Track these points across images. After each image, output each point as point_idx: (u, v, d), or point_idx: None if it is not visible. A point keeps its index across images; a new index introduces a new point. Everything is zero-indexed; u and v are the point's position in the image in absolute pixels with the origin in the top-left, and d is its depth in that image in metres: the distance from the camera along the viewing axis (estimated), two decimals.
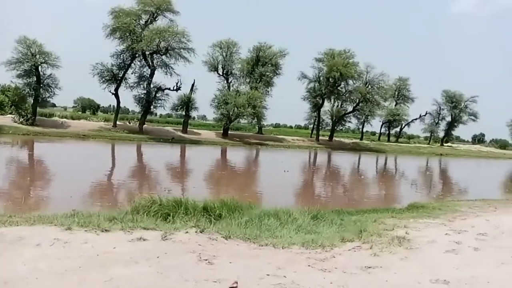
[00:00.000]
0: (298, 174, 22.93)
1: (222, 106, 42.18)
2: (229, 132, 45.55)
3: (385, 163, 38.17)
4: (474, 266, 4.52)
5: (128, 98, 56.82)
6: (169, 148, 33.58)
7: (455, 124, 71.17)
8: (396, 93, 66.03)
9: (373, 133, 77.51)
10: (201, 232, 5.70)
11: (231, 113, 41.39)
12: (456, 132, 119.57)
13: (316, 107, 51.39)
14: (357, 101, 50.44)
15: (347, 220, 8.56)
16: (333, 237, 6.03)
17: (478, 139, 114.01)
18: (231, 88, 46.37)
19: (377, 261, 4.81)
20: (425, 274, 4.25)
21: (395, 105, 65.83)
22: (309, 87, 50.62)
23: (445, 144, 71.60)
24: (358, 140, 59.07)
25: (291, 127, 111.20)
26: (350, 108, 53.02)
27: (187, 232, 5.59)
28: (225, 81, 47.04)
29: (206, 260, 4.44)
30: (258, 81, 46.40)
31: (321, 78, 49.15)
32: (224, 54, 46.39)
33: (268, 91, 47.95)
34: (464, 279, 4.11)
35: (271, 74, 47.09)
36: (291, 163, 27.99)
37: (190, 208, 7.10)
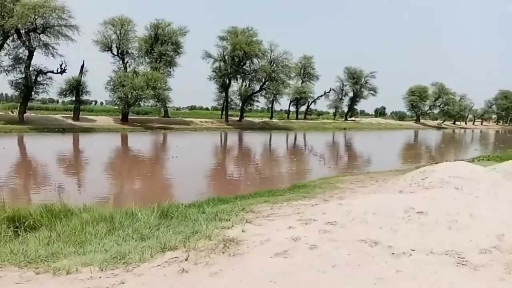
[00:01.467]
0: (193, 159, 21.44)
1: (119, 89, 38.64)
2: (129, 117, 42.24)
3: (287, 140, 38.58)
4: (297, 276, 3.45)
5: (4, 84, 49.64)
6: (50, 139, 29.63)
7: (357, 99, 75.53)
8: (302, 71, 67.55)
9: (287, 112, 79.16)
10: None
11: (129, 96, 38.14)
12: (361, 107, 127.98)
13: (224, 87, 50.15)
14: (263, 80, 50.21)
15: (209, 212, 7.30)
16: (152, 246, 4.66)
17: (380, 112, 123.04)
18: (128, 69, 42.76)
19: (182, 282, 3.55)
20: None
21: (301, 83, 67.38)
22: (215, 67, 49.06)
23: (349, 119, 75.75)
24: (268, 119, 59.42)
25: (207, 109, 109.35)
26: (257, 88, 52.68)
27: None
28: (121, 62, 43.18)
29: None
30: (158, 61, 43.45)
31: (226, 57, 47.79)
32: (118, 32, 42.37)
33: (170, 72, 45.33)
34: None
35: (172, 53, 44.39)
36: (189, 147, 26.40)
37: None
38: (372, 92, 75.17)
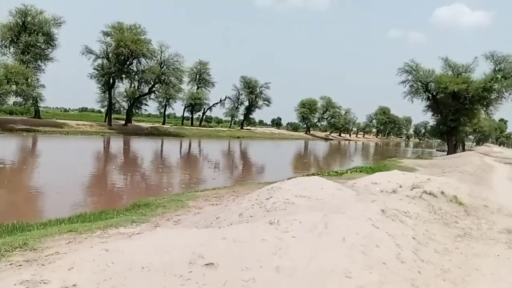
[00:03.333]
0: (43, 171, 17.79)
1: None
2: None
3: (171, 148, 36.18)
4: None
5: None
6: None
7: (252, 108, 76.21)
8: (197, 76, 65.66)
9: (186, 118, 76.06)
10: None
11: None
12: (259, 117, 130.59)
13: (107, 87, 45.54)
14: (153, 82, 46.93)
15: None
16: None
17: (276, 123, 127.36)
18: None
19: None
20: None
21: (197, 89, 65.40)
22: (96, 64, 44.27)
23: (244, 128, 75.98)
24: (159, 124, 55.96)
25: (100, 111, 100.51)
26: (146, 90, 49.08)
27: None
28: None
29: None
30: (25, 53, 37.41)
31: (110, 55, 43.43)
32: None
33: (40, 66, 39.42)
34: None
35: (43, 46, 38.67)
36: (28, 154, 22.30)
37: None
38: (266, 102, 76.71)
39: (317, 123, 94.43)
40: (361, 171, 20.30)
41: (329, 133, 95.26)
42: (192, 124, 65.64)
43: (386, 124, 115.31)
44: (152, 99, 50.65)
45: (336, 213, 4.73)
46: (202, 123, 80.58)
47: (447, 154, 39.47)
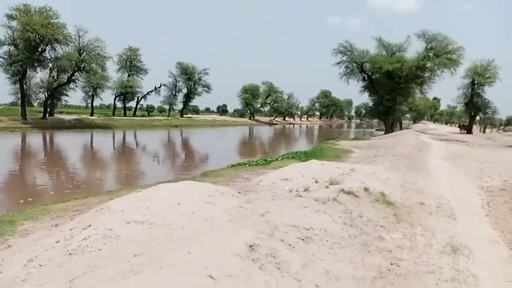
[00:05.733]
0: None
1: None
2: None
3: (91, 142, 32.41)
4: None
5: None
6: None
7: (191, 95, 72.65)
8: (127, 63, 60.80)
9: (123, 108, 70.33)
10: None
11: None
12: (205, 104, 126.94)
13: (18, 78, 40.02)
14: (72, 71, 42.00)
15: None
16: None
17: (222, 110, 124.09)
18: None
19: None
20: None
21: (128, 77, 60.55)
22: (2, 52, 38.58)
23: (185, 116, 72.35)
24: (85, 116, 50.88)
25: (32, 105, 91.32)
26: (65, 79, 43.95)
27: None
28: None
29: None
30: None
31: (18, 41, 37.94)
32: None
33: None
34: None
35: None
36: None
37: None
38: (206, 89, 73.47)
39: (261, 108, 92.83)
40: (293, 157, 18.37)
41: (273, 118, 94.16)
42: (125, 114, 60.88)
43: (329, 106, 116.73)
44: (73, 88, 45.43)
45: (163, 263, 2.39)
46: (142, 113, 75.70)
47: (385, 134, 39.27)
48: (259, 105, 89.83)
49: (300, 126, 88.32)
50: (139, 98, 63.66)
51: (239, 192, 5.90)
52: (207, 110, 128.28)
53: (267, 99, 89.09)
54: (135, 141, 34.86)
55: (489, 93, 56.05)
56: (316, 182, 6.89)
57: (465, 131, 41.96)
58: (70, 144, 29.20)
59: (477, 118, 45.81)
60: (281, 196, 5.89)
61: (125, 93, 58.36)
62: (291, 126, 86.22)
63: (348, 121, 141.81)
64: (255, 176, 10.83)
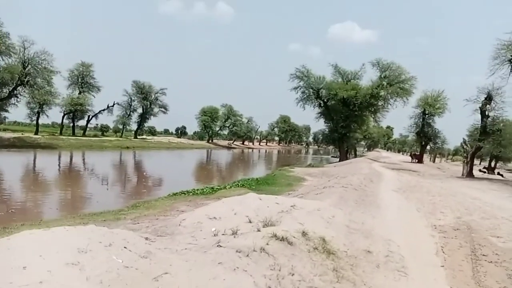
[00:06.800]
0: None
1: None
2: None
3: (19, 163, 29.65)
4: None
5: None
6: None
7: (147, 116, 70.33)
8: (79, 79, 57.89)
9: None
10: None
11: None
12: (164, 126, 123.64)
13: None
14: (14, 84, 38.97)
15: None
16: None
17: (181, 132, 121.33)
18: None
19: None
20: None
21: (79, 93, 57.53)
22: None
23: (139, 137, 69.65)
24: (28, 135, 47.25)
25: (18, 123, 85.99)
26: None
27: None
28: None
29: None
30: None
31: None
32: None
33: None
34: None
35: None
36: None
37: None
38: (162, 109, 71.51)
39: (220, 131, 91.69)
40: (243, 185, 17.24)
41: (232, 142, 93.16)
42: (73, 134, 57.41)
43: (287, 132, 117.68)
44: (14, 104, 41.99)
45: None
46: (95, 133, 71.80)
47: (339, 161, 39.31)
48: (218, 128, 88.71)
49: (259, 151, 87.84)
50: (90, 116, 60.52)
51: (146, 238, 4.68)
52: (166, 132, 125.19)
53: (226, 122, 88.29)
54: (72, 164, 31.81)
55: (439, 123, 58.65)
56: (250, 222, 5.82)
57: (416, 160, 43.03)
58: (16, 163, 26.35)
59: (428, 147, 47.26)
60: (200, 243, 4.74)
61: (74, 111, 55.18)
62: (250, 150, 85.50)
63: (306, 147, 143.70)
64: (193, 208, 9.65)
